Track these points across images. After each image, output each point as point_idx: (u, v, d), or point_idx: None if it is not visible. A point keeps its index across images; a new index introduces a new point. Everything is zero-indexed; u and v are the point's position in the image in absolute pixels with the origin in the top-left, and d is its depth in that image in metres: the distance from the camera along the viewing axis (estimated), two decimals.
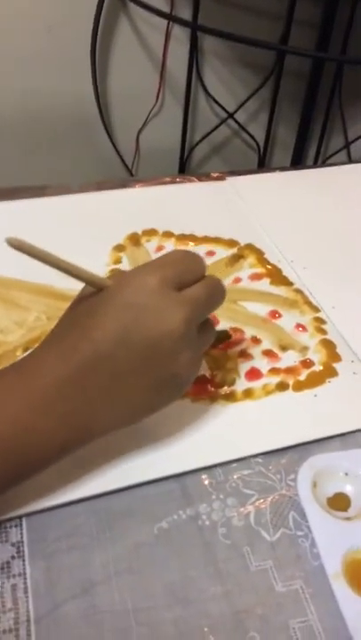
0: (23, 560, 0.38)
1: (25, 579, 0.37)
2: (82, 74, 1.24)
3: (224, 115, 1.37)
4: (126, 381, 0.38)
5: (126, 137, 1.36)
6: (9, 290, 0.56)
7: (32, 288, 0.56)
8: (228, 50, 1.29)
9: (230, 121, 1.38)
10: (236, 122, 1.39)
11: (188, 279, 0.41)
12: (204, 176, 0.75)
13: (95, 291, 0.40)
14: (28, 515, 0.40)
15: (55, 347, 0.39)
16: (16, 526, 0.40)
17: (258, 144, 1.44)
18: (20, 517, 0.40)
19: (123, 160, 1.39)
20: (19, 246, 0.36)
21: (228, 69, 1.33)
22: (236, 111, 1.36)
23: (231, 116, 1.37)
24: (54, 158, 1.31)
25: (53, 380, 0.37)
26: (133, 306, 0.38)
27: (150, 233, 0.65)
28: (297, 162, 1.41)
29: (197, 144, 1.41)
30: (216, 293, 0.43)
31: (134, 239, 0.64)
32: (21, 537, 0.39)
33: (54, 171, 1.29)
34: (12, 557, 0.38)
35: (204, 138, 1.40)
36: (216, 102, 1.35)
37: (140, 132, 1.36)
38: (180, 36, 1.25)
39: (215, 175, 0.75)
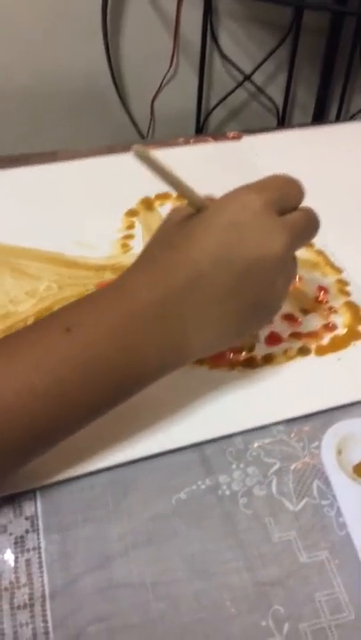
0: (38, 534, 0.37)
1: (40, 553, 0.36)
2: (93, 40, 1.20)
3: (241, 77, 1.33)
4: (222, 303, 0.38)
5: (141, 104, 1.33)
6: (19, 259, 0.54)
7: (42, 256, 0.55)
8: (244, 9, 1.25)
9: (247, 83, 1.34)
10: (254, 84, 1.34)
11: (288, 205, 0.40)
12: (220, 136, 0.72)
13: (191, 212, 0.39)
14: (43, 488, 0.39)
15: (151, 267, 0.39)
16: (30, 500, 0.39)
17: (276, 106, 1.39)
18: (33, 490, 0.39)
19: (138, 128, 1.36)
20: (143, 157, 0.35)
21: (244, 30, 1.29)
22: (253, 73, 1.32)
23: (248, 78, 1.32)
24: (68, 128, 1.28)
25: (151, 300, 0.37)
26: (236, 225, 0.37)
27: (164, 197, 0.62)
28: (318, 123, 1.36)
29: (214, 109, 1.38)
30: (314, 223, 0.42)
31: (147, 203, 0.61)
32: (36, 510, 0.38)
33: (68, 141, 1.27)
34: (27, 531, 0.37)
35: (220, 102, 1.36)
36: (232, 64, 1.31)
37: (154, 98, 1.32)
38: None
39: (231, 135, 0.72)
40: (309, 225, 0.41)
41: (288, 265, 0.39)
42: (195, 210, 0.39)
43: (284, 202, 0.39)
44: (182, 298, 0.37)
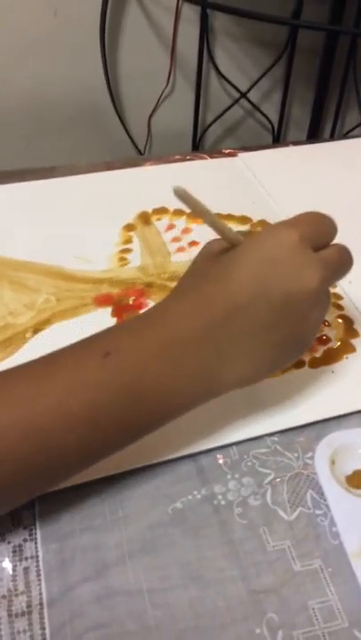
0: (35, 543, 0.38)
1: (37, 562, 0.37)
2: (91, 58, 1.22)
3: (237, 95, 1.35)
4: (257, 336, 0.38)
5: (138, 121, 1.35)
6: (18, 272, 0.55)
7: (41, 270, 0.56)
8: (240, 28, 1.27)
9: (243, 101, 1.36)
10: (250, 101, 1.37)
11: (322, 241, 0.40)
12: (216, 153, 0.73)
13: (225, 246, 0.40)
14: (41, 497, 0.39)
15: (188, 298, 0.39)
16: (28, 509, 0.39)
17: (272, 124, 1.41)
18: (32, 500, 0.39)
19: (135, 144, 1.37)
20: (182, 196, 0.36)
21: (240, 48, 1.31)
22: (248, 90, 1.34)
23: (244, 95, 1.34)
24: (66, 144, 1.30)
25: (189, 329, 0.37)
26: (272, 260, 0.37)
27: (161, 211, 0.63)
28: (312, 141, 1.38)
29: (210, 125, 1.39)
30: (348, 259, 0.42)
31: (145, 218, 0.63)
32: (34, 520, 0.39)
33: (66, 157, 1.28)
34: (25, 540, 0.38)
35: (216, 119, 1.38)
36: (228, 82, 1.33)
37: (151, 115, 1.34)
38: (190, 15, 1.23)
39: (227, 152, 0.73)
40: (343, 261, 0.41)
41: (322, 299, 0.39)
42: (229, 245, 0.40)
43: (318, 238, 0.40)
44: (218, 329, 0.37)
